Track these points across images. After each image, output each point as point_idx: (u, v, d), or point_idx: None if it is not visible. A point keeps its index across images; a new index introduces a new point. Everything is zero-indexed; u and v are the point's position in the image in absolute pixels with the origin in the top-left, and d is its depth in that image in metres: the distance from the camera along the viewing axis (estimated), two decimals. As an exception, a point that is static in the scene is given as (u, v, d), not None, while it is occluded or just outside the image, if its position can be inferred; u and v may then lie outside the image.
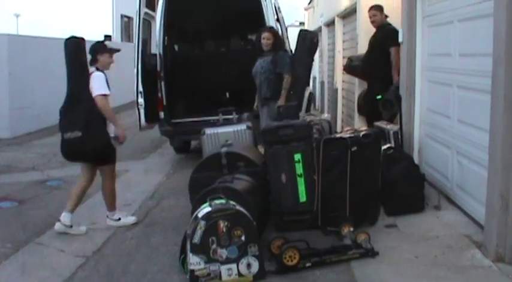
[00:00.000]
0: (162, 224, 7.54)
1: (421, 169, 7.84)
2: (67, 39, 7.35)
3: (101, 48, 7.51)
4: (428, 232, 6.54)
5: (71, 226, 7.24)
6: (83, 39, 7.37)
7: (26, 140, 14.89)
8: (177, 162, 12.04)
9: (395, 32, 9.38)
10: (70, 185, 9.56)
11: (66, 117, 7.15)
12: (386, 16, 9.86)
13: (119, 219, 7.53)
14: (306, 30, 11.25)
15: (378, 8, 9.81)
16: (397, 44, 9.24)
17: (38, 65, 16.63)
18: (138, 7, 11.05)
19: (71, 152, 7.23)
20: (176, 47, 13.73)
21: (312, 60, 10.37)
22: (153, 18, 11.93)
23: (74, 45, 7.31)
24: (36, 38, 17.73)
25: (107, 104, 7.15)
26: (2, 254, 6.71)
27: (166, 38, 11.89)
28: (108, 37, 25.39)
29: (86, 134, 6.98)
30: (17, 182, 10.33)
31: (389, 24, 9.77)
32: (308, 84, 10.48)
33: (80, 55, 7.32)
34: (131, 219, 7.62)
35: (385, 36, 9.54)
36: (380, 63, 9.55)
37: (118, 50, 7.70)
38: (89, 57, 7.31)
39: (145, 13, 11.48)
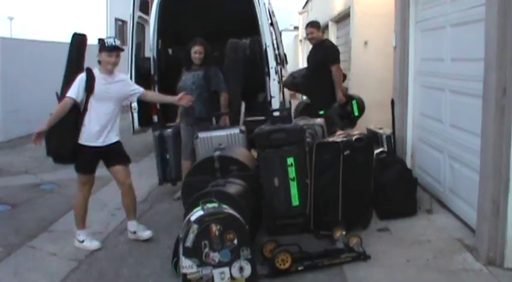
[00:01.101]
0: (155, 228, 7.52)
1: (413, 173, 7.87)
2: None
3: (100, 45, 6.93)
4: (420, 236, 6.57)
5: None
6: (81, 35, 7.15)
7: (19, 144, 14.84)
8: (171, 166, 12.02)
9: (334, 49, 9.48)
10: (63, 189, 9.58)
11: None
12: (323, 32, 9.87)
13: (83, 241, 6.96)
14: (236, 41, 10.96)
15: (315, 25, 9.84)
16: (337, 62, 9.32)
17: (31, 68, 16.59)
18: (131, 11, 11.05)
19: None
20: (170, 51, 13.74)
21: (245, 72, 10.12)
22: (147, 21, 11.94)
23: (71, 41, 7.17)
24: (29, 41, 17.67)
25: (59, 105, 6.62)
26: (-6, 257, 6.71)
27: (160, 41, 11.90)
28: (102, 40, 25.38)
29: (46, 136, 6.70)
30: (10, 186, 10.31)
31: (327, 40, 9.79)
32: (242, 99, 10.10)
33: (71, 52, 7.18)
34: (94, 245, 6.94)
35: (325, 53, 9.58)
36: (322, 80, 9.52)
37: (119, 49, 6.97)
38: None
39: (139, 17, 11.50)
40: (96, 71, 6.83)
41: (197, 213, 5.39)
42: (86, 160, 6.84)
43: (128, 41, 11.34)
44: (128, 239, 7.18)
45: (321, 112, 9.22)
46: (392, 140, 8.63)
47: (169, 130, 9.24)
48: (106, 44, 6.87)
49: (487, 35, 5.56)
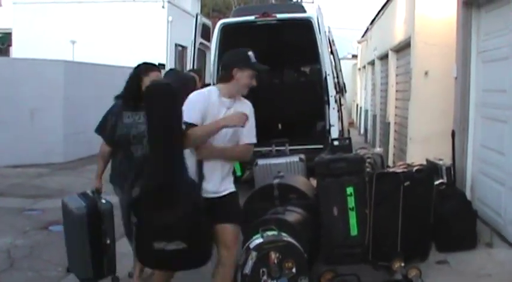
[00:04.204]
0: (212, 254, 7.53)
1: (473, 205, 7.77)
2: None
3: (243, 60, 5.30)
4: (480, 270, 6.46)
5: None
6: None
7: (79, 165, 15.08)
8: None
9: None
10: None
11: None
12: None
13: None
14: None
15: None
16: None
17: (91, 91, 16.88)
18: (193, 37, 11.16)
19: None
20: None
21: None
22: (208, 48, 12.06)
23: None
24: (91, 64, 18.05)
25: (187, 139, 4.99)
26: (54, 277, 6.84)
27: (220, 68, 11.99)
28: (162, 65, 25.72)
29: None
30: (70, 207, 10.42)
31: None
32: None
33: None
34: None
35: None
36: None
37: (264, 69, 5.45)
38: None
39: (201, 43, 11.61)
40: (213, 91, 5.42)
41: (256, 240, 5.41)
42: None
43: (188, 67, 11.46)
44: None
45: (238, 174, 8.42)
46: (452, 172, 8.52)
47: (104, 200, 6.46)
48: (251, 60, 5.28)
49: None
